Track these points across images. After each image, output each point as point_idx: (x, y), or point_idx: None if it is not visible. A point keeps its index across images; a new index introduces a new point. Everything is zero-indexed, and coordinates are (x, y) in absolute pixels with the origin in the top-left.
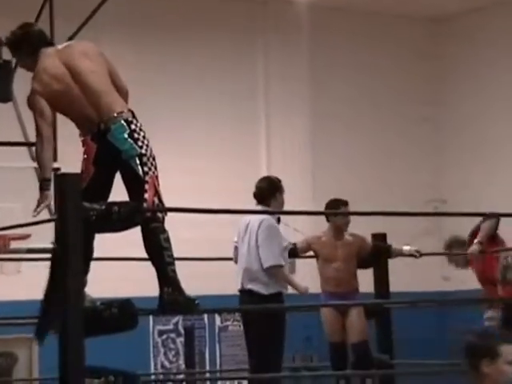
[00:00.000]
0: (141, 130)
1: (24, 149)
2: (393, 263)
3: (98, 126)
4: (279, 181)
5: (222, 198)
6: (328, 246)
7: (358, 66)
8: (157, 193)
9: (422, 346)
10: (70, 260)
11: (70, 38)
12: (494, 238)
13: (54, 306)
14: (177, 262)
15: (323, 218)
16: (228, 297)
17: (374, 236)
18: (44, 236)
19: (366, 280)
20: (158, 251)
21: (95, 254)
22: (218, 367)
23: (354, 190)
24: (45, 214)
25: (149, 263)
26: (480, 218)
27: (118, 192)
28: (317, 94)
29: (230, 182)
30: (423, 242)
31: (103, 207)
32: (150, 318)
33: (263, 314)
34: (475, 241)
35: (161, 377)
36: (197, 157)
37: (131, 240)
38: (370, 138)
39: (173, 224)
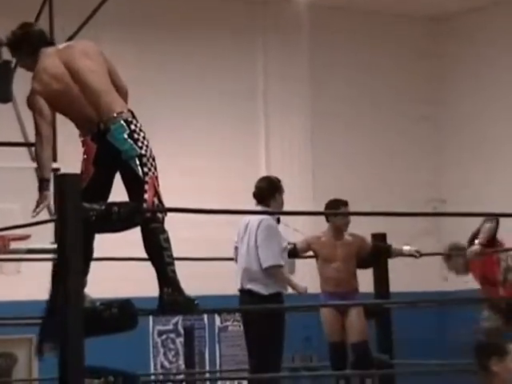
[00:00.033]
0: (141, 130)
1: (24, 149)
2: (393, 263)
3: (98, 126)
4: (279, 181)
5: (221, 197)
6: (328, 246)
7: (358, 65)
8: (156, 193)
9: (422, 346)
10: (69, 260)
11: (70, 38)
12: (493, 241)
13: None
14: (176, 262)
15: (323, 218)
16: (228, 297)
17: (374, 236)
18: (44, 236)
19: (365, 280)
20: (158, 251)
21: (95, 255)
22: (217, 367)
23: (353, 190)
24: (44, 215)
25: (149, 263)
26: (480, 219)
27: (118, 192)
28: (316, 93)
29: (229, 182)
30: (423, 242)
31: (103, 207)
32: (150, 318)
33: (263, 314)
34: (476, 242)
35: (160, 377)
36: (197, 156)
37: (131, 240)
38: (369, 137)
39: (172, 224)
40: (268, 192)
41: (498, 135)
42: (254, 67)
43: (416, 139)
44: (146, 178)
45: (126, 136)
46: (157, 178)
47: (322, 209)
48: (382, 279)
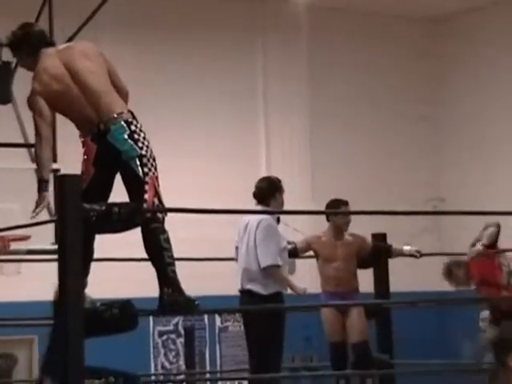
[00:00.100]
0: (141, 130)
1: (24, 150)
2: (393, 263)
3: (98, 126)
4: (279, 181)
5: (221, 197)
6: (328, 245)
7: (357, 65)
8: (157, 193)
9: (422, 346)
10: (70, 261)
11: (70, 39)
12: (495, 246)
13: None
14: (177, 263)
15: (323, 217)
16: (228, 297)
17: (374, 236)
18: (44, 237)
19: (366, 280)
20: (158, 252)
21: (95, 255)
22: (218, 368)
23: (352, 189)
24: (45, 215)
25: (149, 264)
26: (479, 221)
27: (118, 193)
28: (316, 93)
29: (229, 182)
30: (422, 241)
31: (103, 208)
32: (151, 318)
33: (263, 314)
34: (479, 243)
35: (161, 377)
36: (196, 156)
37: (131, 241)
38: (368, 137)
39: (173, 224)
40: (268, 192)
41: (496, 135)
42: (253, 67)
43: (415, 139)
44: (147, 179)
45: (126, 136)
46: (157, 178)
47: (321, 208)
48: (382, 279)
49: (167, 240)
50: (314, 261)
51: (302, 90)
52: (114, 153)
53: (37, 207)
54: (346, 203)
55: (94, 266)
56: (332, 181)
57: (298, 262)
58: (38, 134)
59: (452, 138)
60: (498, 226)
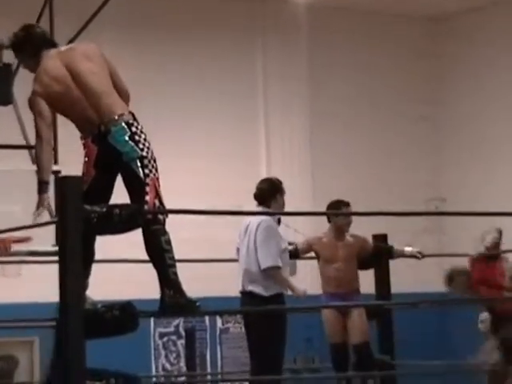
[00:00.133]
0: (142, 132)
1: (24, 151)
2: (394, 264)
3: (99, 128)
4: (280, 182)
5: (222, 197)
6: (329, 246)
7: (357, 65)
8: (158, 195)
9: (423, 347)
10: (70, 262)
11: (71, 40)
12: (497, 252)
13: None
14: (178, 264)
15: (323, 218)
16: (229, 299)
17: (375, 237)
18: (45, 239)
19: (367, 281)
20: (159, 253)
21: (96, 257)
22: (219, 369)
23: (353, 189)
24: (46, 217)
25: (150, 265)
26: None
27: (119, 194)
28: (316, 93)
29: (229, 182)
30: (423, 241)
31: (104, 209)
32: (151, 320)
33: (264, 315)
34: (482, 245)
35: (162, 379)
36: (197, 156)
37: (132, 242)
38: (368, 137)
39: (173, 225)
40: (269, 193)
41: (496, 135)
42: (253, 67)
43: (415, 139)
44: (147, 180)
45: (127, 138)
46: (158, 179)
47: (322, 209)
48: (383, 280)
49: (168, 241)
50: (314, 262)
51: (302, 89)
52: (115, 154)
53: (38, 209)
54: (347, 204)
55: (94, 267)
56: (332, 181)
57: (299, 263)
58: (38, 135)
59: (452, 138)
60: (500, 232)
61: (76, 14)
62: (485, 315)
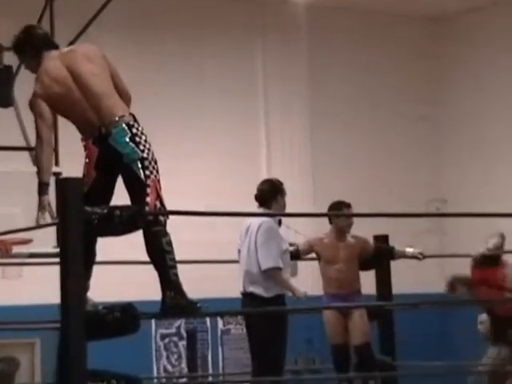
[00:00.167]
0: (142, 133)
1: (25, 153)
2: (395, 265)
3: (99, 129)
4: (281, 183)
5: (222, 197)
6: (330, 247)
7: (357, 65)
8: (159, 196)
9: (425, 348)
10: (71, 264)
11: (72, 41)
12: (499, 258)
13: None
14: (179, 265)
15: (324, 219)
16: (230, 300)
17: (376, 238)
18: (46, 240)
19: (368, 282)
20: (160, 255)
21: (97, 258)
22: (220, 370)
23: (353, 189)
24: (47, 219)
25: (151, 267)
26: (481, 220)
27: (120, 196)
28: (316, 93)
29: (230, 182)
30: (424, 242)
31: (105, 211)
32: (153, 321)
33: (265, 316)
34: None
35: (163, 380)
36: (197, 156)
37: (133, 243)
38: (368, 137)
39: (174, 227)
40: (270, 194)
41: (497, 135)
42: (253, 67)
43: (415, 139)
44: (148, 181)
45: (127, 139)
46: (159, 181)
47: (322, 210)
48: (384, 281)
49: (169, 243)
50: (315, 263)
51: (302, 89)
52: (116, 156)
53: (41, 213)
54: (348, 205)
55: (95, 268)
56: (332, 181)
57: (300, 264)
58: (38, 136)
59: (452, 138)
60: (503, 237)
61: (76, 16)
62: (484, 316)
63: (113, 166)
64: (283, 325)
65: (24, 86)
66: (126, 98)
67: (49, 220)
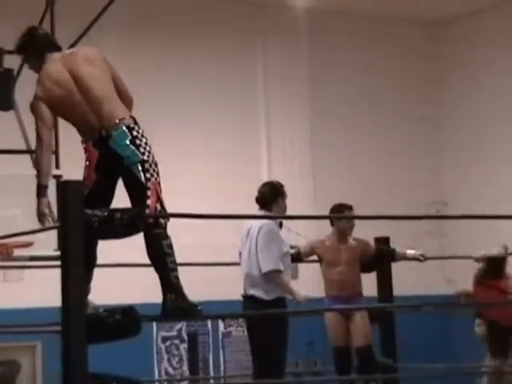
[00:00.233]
0: (143, 136)
1: (26, 156)
2: (396, 267)
3: (100, 132)
4: (281, 186)
5: (223, 199)
6: (331, 250)
7: (357, 66)
8: (159, 199)
9: (426, 350)
10: (72, 267)
11: (73, 43)
12: (502, 270)
13: None
14: (179, 268)
15: (325, 221)
16: (231, 302)
17: (377, 239)
18: (47, 243)
19: (369, 284)
20: (161, 257)
21: (98, 261)
22: (221, 373)
23: (353, 190)
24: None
25: (152, 269)
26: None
27: (120, 198)
28: (316, 94)
29: (230, 183)
30: (425, 244)
31: (105, 214)
32: (154, 324)
33: (266, 319)
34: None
35: (165, 383)
36: (197, 157)
37: (134, 246)
38: (368, 137)
39: (175, 229)
40: (271, 197)
41: (496, 135)
42: (253, 68)
43: (415, 140)
44: (149, 184)
45: (127, 142)
46: (159, 183)
47: (323, 212)
48: (385, 283)
49: (170, 245)
50: (316, 265)
51: (303, 90)
52: (116, 158)
53: (39, 216)
54: (350, 208)
55: (96, 271)
56: (333, 181)
57: (301, 266)
58: (38, 138)
59: (452, 138)
60: (506, 248)
61: (77, 18)
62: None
63: (113, 169)
64: (284, 327)
65: (25, 89)
66: (127, 100)
67: (48, 223)
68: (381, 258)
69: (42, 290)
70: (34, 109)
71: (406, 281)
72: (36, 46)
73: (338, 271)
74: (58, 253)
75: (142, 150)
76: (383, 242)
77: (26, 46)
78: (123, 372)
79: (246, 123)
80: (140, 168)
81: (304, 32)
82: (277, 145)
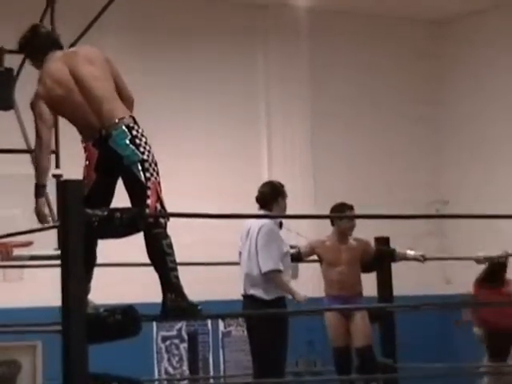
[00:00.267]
0: (142, 135)
1: (26, 156)
2: (396, 267)
3: (100, 132)
4: (282, 186)
5: (223, 199)
6: (332, 250)
7: (358, 66)
8: (159, 198)
9: (426, 350)
10: (72, 266)
11: (72, 44)
12: (503, 275)
13: None
14: (179, 267)
15: (325, 221)
16: (231, 302)
17: (377, 239)
18: (47, 243)
19: (369, 284)
20: (161, 257)
21: (98, 260)
22: (221, 373)
23: (354, 189)
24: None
25: (152, 269)
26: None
27: (120, 198)
28: (317, 94)
29: (231, 183)
30: (425, 244)
31: (105, 213)
32: (154, 324)
33: (265, 318)
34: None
35: (165, 383)
36: (198, 158)
37: (134, 245)
38: (369, 137)
39: (175, 229)
40: (271, 197)
41: (497, 135)
42: (254, 69)
43: (415, 139)
44: (149, 184)
45: (127, 141)
46: (159, 183)
47: (323, 211)
48: (385, 283)
49: (170, 245)
50: (317, 265)
51: (303, 91)
52: (116, 158)
53: (38, 215)
54: (350, 207)
55: (96, 271)
56: (333, 181)
57: (302, 266)
58: (38, 136)
59: (452, 138)
60: (507, 255)
61: (77, 18)
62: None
63: (113, 168)
64: (284, 327)
65: (25, 88)
66: (128, 101)
67: (48, 222)
68: (381, 258)
69: (41, 289)
70: (34, 107)
71: (406, 281)
72: (40, 45)
73: (339, 271)
74: (58, 252)
75: (141, 149)
76: (383, 241)
77: (28, 44)
78: (123, 371)
79: (247, 123)
80: (140, 167)
81: (305, 32)
82: (277, 145)
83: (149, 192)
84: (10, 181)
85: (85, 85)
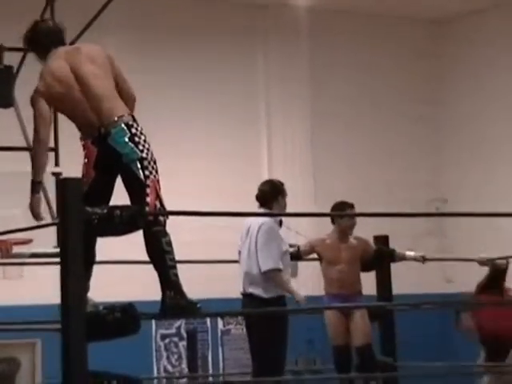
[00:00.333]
0: (141, 133)
1: (25, 153)
2: (395, 266)
3: (99, 130)
4: (282, 184)
5: (223, 198)
6: (332, 248)
7: (358, 65)
8: (158, 196)
9: (425, 349)
10: (72, 264)
11: (73, 42)
12: (502, 282)
13: None
14: (179, 266)
15: (325, 220)
16: (230, 300)
17: (377, 238)
18: (46, 240)
19: (368, 282)
20: (160, 255)
21: (97, 258)
22: (220, 371)
23: (354, 189)
24: (47, 218)
25: (151, 267)
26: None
27: (119, 196)
28: (317, 93)
29: (231, 183)
30: (425, 242)
31: (105, 211)
32: (153, 321)
33: (265, 317)
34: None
35: (164, 381)
36: (198, 157)
37: (133, 243)
38: (369, 137)
39: (174, 227)
40: (271, 195)
41: (496, 135)
42: (254, 68)
43: (415, 139)
44: (148, 182)
45: (126, 139)
46: (158, 181)
47: (323, 210)
48: (384, 281)
49: (169, 243)
50: (316, 264)
51: (304, 90)
52: (115, 156)
53: (33, 211)
54: (351, 206)
55: (96, 269)
56: (333, 181)
57: (301, 265)
58: (36, 132)
59: (452, 138)
60: (508, 263)
61: (77, 17)
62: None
63: (112, 166)
64: (283, 325)
65: (25, 86)
66: (130, 99)
67: (48, 220)
68: (380, 258)
69: (41, 287)
70: (33, 103)
71: (406, 280)
72: (43, 41)
73: (338, 270)
74: (58, 250)
75: (140, 147)
76: (382, 240)
77: (31, 39)
78: (122, 369)
79: (247, 123)
80: (139, 165)
81: (305, 31)
82: (277, 145)
83: (148, 190)
84: (10, 179)
85: (85, 82)
